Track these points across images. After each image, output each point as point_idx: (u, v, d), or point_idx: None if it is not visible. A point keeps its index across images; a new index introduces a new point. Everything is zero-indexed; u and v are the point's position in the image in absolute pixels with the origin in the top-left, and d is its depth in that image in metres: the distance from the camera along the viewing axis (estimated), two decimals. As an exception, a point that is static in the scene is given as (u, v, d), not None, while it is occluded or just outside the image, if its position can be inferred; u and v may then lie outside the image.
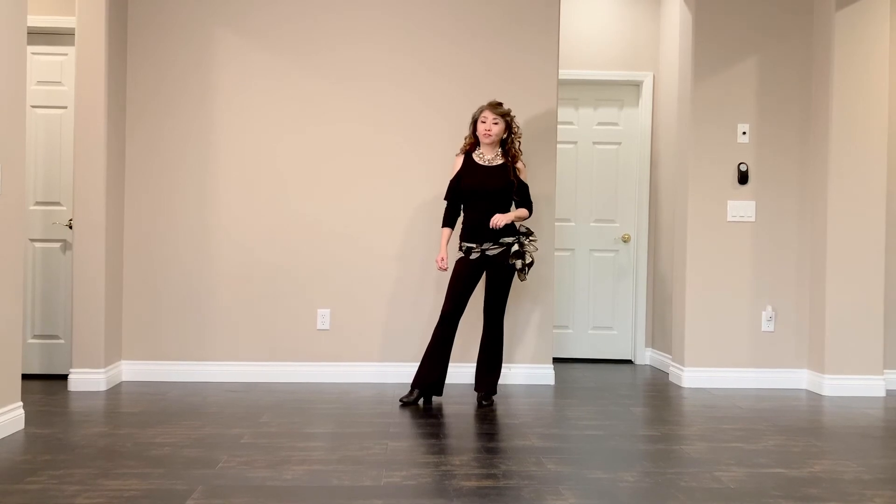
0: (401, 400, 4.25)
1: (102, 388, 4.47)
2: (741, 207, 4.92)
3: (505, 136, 4.32)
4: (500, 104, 4.32)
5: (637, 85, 5.96)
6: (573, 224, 5.97)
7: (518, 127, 4.37)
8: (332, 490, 2.75)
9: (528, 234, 4.33)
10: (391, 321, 4.87)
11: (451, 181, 4.35)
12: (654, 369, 5.67)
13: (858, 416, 4.15)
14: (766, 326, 4.94)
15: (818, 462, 3.22)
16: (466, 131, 4.44)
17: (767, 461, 3.21)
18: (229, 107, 4.83)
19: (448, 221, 4.39)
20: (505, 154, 4.32)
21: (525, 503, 2.65)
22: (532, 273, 4.60)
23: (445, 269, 4.36)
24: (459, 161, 4.36)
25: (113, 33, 4.55)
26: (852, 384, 4.72)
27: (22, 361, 3.65)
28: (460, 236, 4.36)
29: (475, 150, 4.36)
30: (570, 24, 5.75)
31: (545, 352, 4.93)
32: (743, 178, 4.90)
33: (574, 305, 5.99)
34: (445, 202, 4.39)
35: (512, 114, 4.33)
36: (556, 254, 5.33)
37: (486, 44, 4.88)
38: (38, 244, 4.83)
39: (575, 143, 5.97)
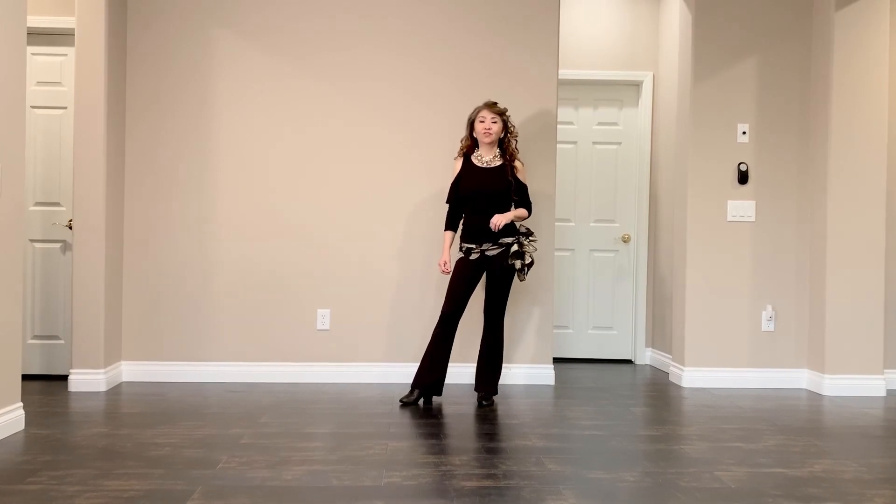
0: (401, 400, 4.25)
1: (102, 388, 4.47)
2: (741, 207, 4.92)
3: (502, 135, 4.32)
4: (496, 103, 4.32)
5: (637, 85, 5.96)
6: (573, 224, 5.97)
7: (514, 126, 4.38)
8: (332, 490, 2.75)
9: (528, 234, 4.33)
10: (391, 321, 4.87)
11: (452, 184, 4.35)
12: (654, 369, 5.67)
13: (858, 416, 4.15)
14: (767, 326, 4.94)
15: (818, 462, 3.22)
16: (466, 132, 4.44)
17: (768, 461, 3.21)
18: (229, 107, 4.83)
19: (450, 225, 4.40)
20: (503, 154, 4.33)
21: (525, 503, 2.65)
22: (532, 273, 4.60)
23: (448, 273, 4.35)
24: (458, 164, 4.36)
25: (112, 34, 4.55)
26: (852, 384, 4.72)
27: (22, 362, 3.65)
28: (460, 237, 4.36)
29: (473, 152, 4.36)
30: (569, 24, 5.75)
31: (545, 352, 4.93)
32: (743, 177, 4.90)
33: (574, 305, 5.98)
34: (447, 206, 4.40)
35: (508, 112, 4.34)
36: (555, 254, 5.32)
37: (485, 44, 4.88)
38: (37, 245, 4.83)
39: (575, 142, 5.97)
